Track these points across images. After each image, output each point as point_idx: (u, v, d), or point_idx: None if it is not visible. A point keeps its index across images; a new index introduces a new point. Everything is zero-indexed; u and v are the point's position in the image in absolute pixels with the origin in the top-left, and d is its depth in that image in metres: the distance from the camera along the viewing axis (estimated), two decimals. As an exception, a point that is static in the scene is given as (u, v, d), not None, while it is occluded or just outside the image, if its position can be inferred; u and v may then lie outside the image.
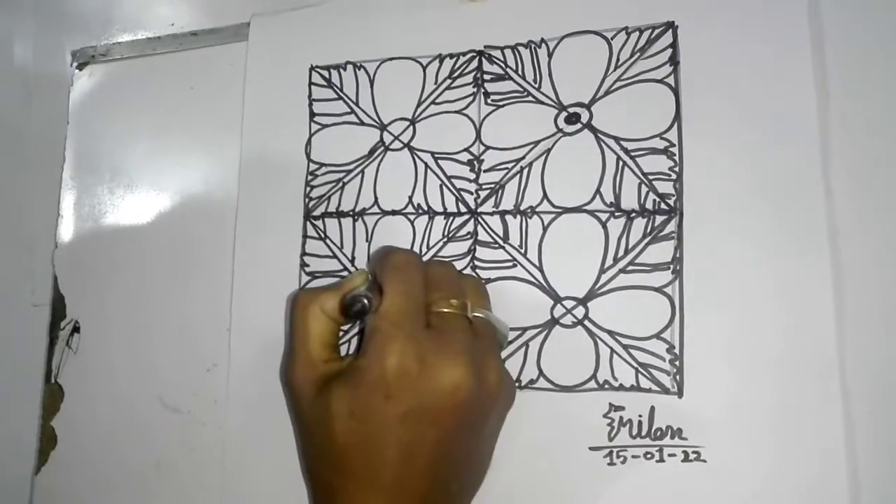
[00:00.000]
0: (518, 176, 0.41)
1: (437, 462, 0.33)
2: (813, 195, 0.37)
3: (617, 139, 0.40)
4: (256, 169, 0.46)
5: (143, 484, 0.45)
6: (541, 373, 0.39)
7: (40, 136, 0.54)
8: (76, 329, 0.49)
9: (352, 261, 0.44)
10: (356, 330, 0.42)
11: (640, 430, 0.37)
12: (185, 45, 0.50)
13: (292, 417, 0.39)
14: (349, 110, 0.45)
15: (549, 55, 0.42)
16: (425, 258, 0.42)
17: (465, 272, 0.41)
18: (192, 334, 0.46)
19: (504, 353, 0.40)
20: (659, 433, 0.37)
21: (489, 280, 0.41)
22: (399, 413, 0.32)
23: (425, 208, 0.43)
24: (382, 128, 0.45)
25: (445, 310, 0.35)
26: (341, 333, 0.40)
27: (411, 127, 0.44)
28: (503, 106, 0.43)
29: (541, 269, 0.40)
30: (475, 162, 0.43)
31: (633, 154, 0.40)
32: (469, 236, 0.42)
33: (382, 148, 0.44)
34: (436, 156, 0.43)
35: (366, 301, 0.34)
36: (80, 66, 0.53)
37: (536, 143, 0.41)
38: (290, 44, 0.47)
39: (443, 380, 0.32)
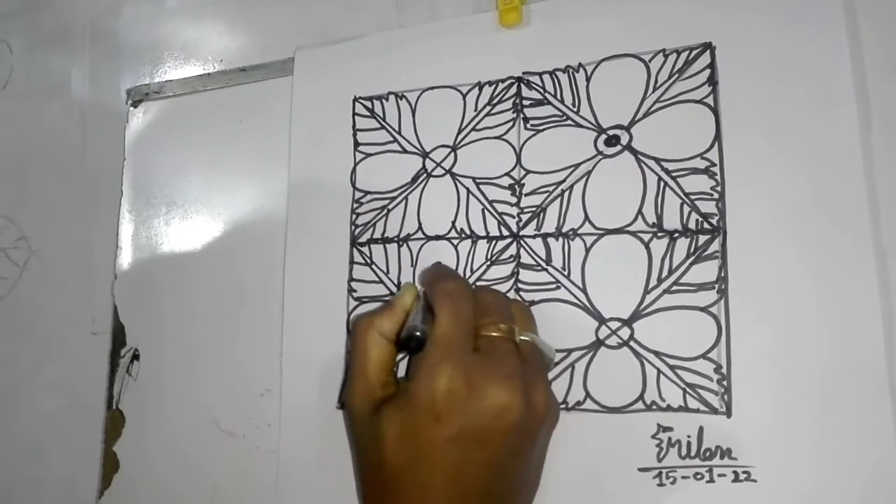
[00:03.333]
0: (559, 199, 0.42)
1: (486, 483, 0.34)
2: (858, 211, 0.36)
3: (657, 160, 0.40)
4: (304, 198, 0.48)
5: (202, 506, 0.47)
6: (587, 394, 0.39)
7: (99, 171, 0.57)
8: (136, 357, 0.51)
9: (397, 286, 0.45)
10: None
11: (689, 450, 0.37)
12: (235, 80, 0.52)
13: (349, 439, 0.40)
14: (392, 139, 0.47)
15: (588, 79, 0.43)
16: (470, 281, 0.43)
17: (511, 297, 0.42)
18: (246, 360, 0.48)
19: (550, 375, 0.40)
20: (708, 453, 0.37)
21: (533, 302, 0.41)
22: (448, 435, 0.33)
23: (468, 233, 0.44)
24: (424, 155, 0.46)
25: (494, 334, 0.36)
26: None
27: (453, 154, 0.45)
28: (543, 130, 0.43)
29: (584, 291, 0.40)
30: (516, 186, 0.43)
31: (674, 174, 0.40)
32: (512, 259, 0.43)
33: (425, 175, 0.45)
34: (477, 181, 0.44)
35: (419, 335, 0.35)
36: (135, 104, 0.55)
37: (577, 165, 0.42)
38: (333, 76, 0.49)
39: (491, 402, 0.33)
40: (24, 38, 0.62)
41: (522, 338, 0.37)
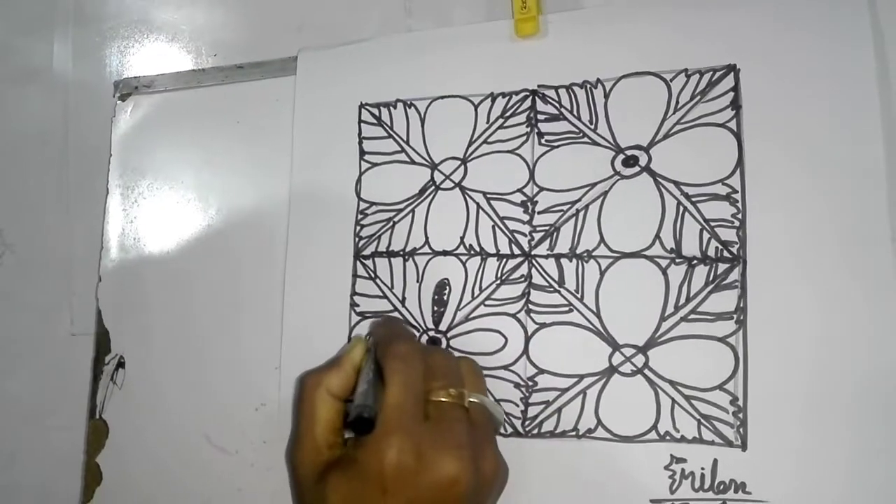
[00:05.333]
0: (574, 218, 0.41)
1: None
2: (880, 241, 0.36)
3: (677, 184, 0.39)
4: (306, 207, 0.46)
5: (191, 524, 0.45)
6: (599, 422, 0.38)
7: (81, 165, 0.54)
8: (121, 364, 0.49)
9: (402, 301, 0.43)
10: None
11: (703, 483, 0.36)
12: (231, 78, 0.50)
13: (293, 499, 0.38)
14: (399, 149, 0.45)
15: (606, 96, 0.41)
16: (477, 301, 0.42)
17: (461, 355, 0.41)
18: (241, 372, 0.46)
19: (562, 401, 0.39)
20: (722, 487, 0.36)
21: (544, 325, 0.40)
22: None
23: (477, 249, 0.42)
24: (433, 167, 0.44)
25: (443, 399, 0.35)
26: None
27: (463, 166, 0.44)
28: (558, 146, 0.42)
29: (598, 315, 0.40)
30: (529, 203, 0.42)
31: (693, 199, 0.39)
32: (523, 279, 0.41)
33: (433, 187, 0.44)
34: (488, 196, 0.43)
35: (367, 416, 0.33)
36: (123, 97, 0.53)
37: (593, 185, 0.41)
38: (338, 80, 0.47)
39: (441, 474, 0.32)
40: (2, 20, 0.59)
41: (472, 399, 0.36)
